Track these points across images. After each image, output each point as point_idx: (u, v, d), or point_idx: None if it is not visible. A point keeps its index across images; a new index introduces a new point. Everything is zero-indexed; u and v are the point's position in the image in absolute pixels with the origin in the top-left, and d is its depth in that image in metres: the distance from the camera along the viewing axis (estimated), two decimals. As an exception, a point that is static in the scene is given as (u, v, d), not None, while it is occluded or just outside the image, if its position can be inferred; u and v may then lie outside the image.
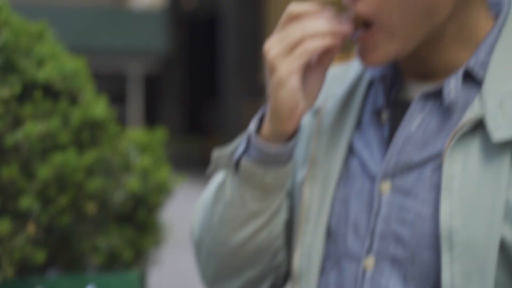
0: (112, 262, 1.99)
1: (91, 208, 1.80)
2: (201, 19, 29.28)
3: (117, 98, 25.45)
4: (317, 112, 1.17)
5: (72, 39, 21.41)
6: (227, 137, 17.43)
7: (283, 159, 1.04)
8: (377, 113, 1.09)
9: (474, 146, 0.95)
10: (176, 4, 24.54)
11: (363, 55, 1.00)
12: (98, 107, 1.87)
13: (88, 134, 1.86)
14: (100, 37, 22.83)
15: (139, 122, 24.51)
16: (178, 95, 25.28)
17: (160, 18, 24.07)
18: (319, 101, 1.15)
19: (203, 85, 29.37)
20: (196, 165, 23.35)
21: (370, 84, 1.13)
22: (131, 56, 23.92)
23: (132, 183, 1.92)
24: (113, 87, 25.30)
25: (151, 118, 26.43)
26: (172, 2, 24.35)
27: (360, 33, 0.99)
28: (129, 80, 24.54)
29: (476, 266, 0.92)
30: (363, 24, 0.98)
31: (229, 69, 17.73)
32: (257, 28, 17.99)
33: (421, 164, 1.00)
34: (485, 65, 0.99)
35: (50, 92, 1.87)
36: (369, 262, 1.01)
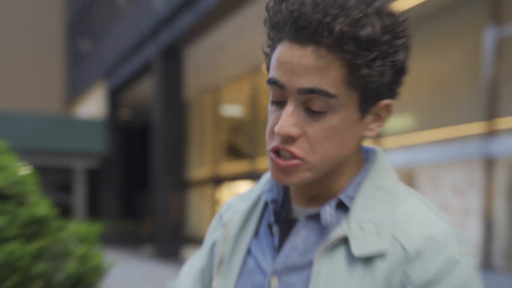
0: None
1: (36, 286, 1.80)
2: (135, 127, 29.21)
3: (66, 187, 25.27)
4: (225, 224, 1.23)
5: (26, 142, 21.32)
6: (156, 220, 17.16)
7: None
8: (270, 227, 1.13)
9: (339, 255, 1.00)
10: (114, 115, 24.51)
11: (283, 176, 1.02)
12: (41, 207, 1.90)
13: (32, 229, 1.87)
14: (51, 140, 22.58)
15: (83, 207, 24.25)
16: (115, 187, 25.25)
17: (100, 126, 23.94)
18: (228, 216, 1.24)
19: (136, 180, 29.08)
20: (130, 241, 23.02)
21: (267, 203, 1.16)
22: (75, 156, 23.63)
23: (71, 267, 1.92)
24: (62, 178, 24.95)
25: (93, 204, 26.16)
26: (111, 113, 24.28)
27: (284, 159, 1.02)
28: (75, 173, 24.18)
29: None
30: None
31: (158, 167, 17.71)
32: (180, 135, 18.12)
33: (302, 267, 1.04)
34: (352, 198, 1.05)
35: (0, 196, 1.90)
36: None
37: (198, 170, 23.76)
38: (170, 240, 17.41)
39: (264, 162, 18.19)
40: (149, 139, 23.58)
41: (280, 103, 1.03)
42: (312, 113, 0.99)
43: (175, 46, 17.34)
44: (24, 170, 2.09)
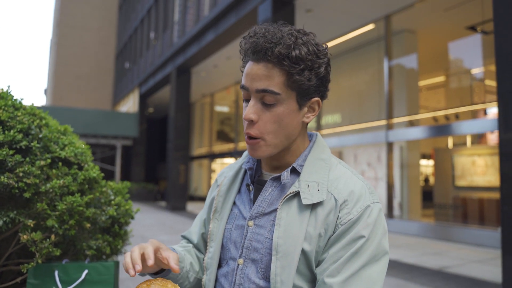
0: (99, 256, 1.95)
1: (87, 225, 1.77)
2: (156, 119, 29.08)
3: (110, 158, 25.29)
4: (218, 185, 1.23)
5: (86, 128, 21.26)
6: (170, 184, 17.19)
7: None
8: (248, 186, 1.14)
9: (293, 204, 1.02)
10: (143, 111, 24.35)
11: (251, 151, 1.05)
12: (94, 171, 1.86)
13: (87, 185, 1.84)
14: (102, 127, 22.46)
15: (120, 173, 24.26)
16: (141, 159, 24.99)
17: (133, 117, 23.79)
18: (220, 180, 1.26)
19: (156, 155, 29.06)
20: (151, 198, 22.98)
21: (246, 171, 1.19)
22: (116, 137, 23.54)
23: (110, 211, 1.89)
24: (108, 153, 24.85)
25: (127, 171, 26.12)
26: (140, 108, 24.13)
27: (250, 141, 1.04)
28: (116, 149, 24.03)
29: (288, 263, 0.98)
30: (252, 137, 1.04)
31: (171, 146, 17.65)
32: (187, 125, 18.09)
33: (269, 213, 1.06)
34: (302, 166, 1.08)
35: (67, 163, 1.86)
36: (241, 261, 1.07)
37: (198, 149, 23.79)
38: (178, 197, 17.32)
39: (242, 144, 18.33)
40: (166, 127, 23.61)
41: (247, 100, 1.05)
42: (266, 105, 1.02)
43: (185, 66, 17.29)
44: (83, 146, 2.06)
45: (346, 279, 0.94)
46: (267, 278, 1.03)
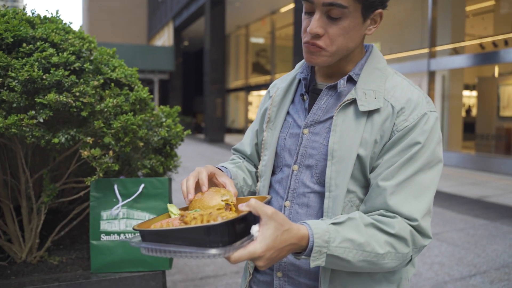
0: (153, 174, 2.06)
1: (140, 144, 1.84)
2: (191, 52, 28.99)
3: (149, 92, 25.73)
4: (271, 96, 1.25)
5: (125, 62, 21.50)
6: (207, 117, 17.44)
7: None
8: (302, 96, 1.15)
9: (349, 111, 1.03)
10: (178, 43, 24.29)
11: (310, 57, 1.05)
12: (144, 92, 1.92)
13: (138, 106, 1.90)
14: (138, 61, 22.66)
15: (159, 107, 24.78)
16: (178, 93, 25.23)
17: (169, 51, 23.82)
18: (273, 91, 1.27)
19: (193, 88, 29.26)
20: (190, 130, 23.49)
21: (300, 80, 1.19)
22: (153, 72, 23.78)
23: (162, 132, 1.96)
24: (146, 87, 25.32)
25: (165, 104, 26.53)
26: (175, 42, 24.06)
27: (313, 47, 1.03)
28: (154, 83, 24.34)
29: (343, 167, 1.01)
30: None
31: (207, 80, 17.73)
32: (222, 57, 18.02)
33: (324, 121, 1.08)
34: (358, 75, 1.07)
35: (118, 84, 1.92)
36: (296, 167, 1.10)
37: (234, 81, 23.75)
38: (216, 130, 17.69)
39: (278, 76, 18.19)
40: (201, 60, 23.56)
41: (310, 13, 1.03)
42: (331, 19, 0.99)
43: (219, -4, 16.96)
44: (131, 69, 2.10)
45: (399, 183, 0.97)
46: (321, 182, 1.06)
